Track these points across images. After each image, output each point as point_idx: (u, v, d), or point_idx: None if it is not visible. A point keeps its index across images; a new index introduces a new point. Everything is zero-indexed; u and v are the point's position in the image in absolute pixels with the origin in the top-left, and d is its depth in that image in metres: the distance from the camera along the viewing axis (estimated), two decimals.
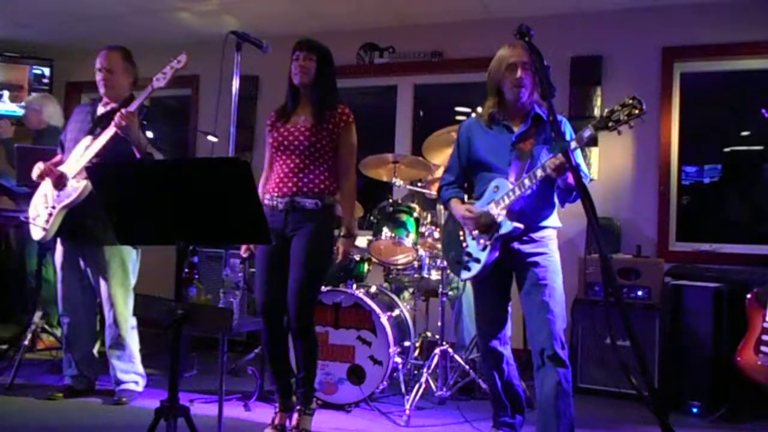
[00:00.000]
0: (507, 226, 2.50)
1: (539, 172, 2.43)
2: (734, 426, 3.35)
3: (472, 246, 2.63)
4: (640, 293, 3.80)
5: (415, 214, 3.70)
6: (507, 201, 2.51)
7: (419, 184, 4.18)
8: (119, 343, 3.34)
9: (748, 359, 3.14)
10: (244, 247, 3.04)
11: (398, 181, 3.88)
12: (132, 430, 2.92)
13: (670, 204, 4.49)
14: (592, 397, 3.73)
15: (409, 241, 3.63)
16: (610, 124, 2.30)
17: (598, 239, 1.86)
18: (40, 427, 2.96)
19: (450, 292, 3.84)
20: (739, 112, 4.66)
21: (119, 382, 3.35)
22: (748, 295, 3.26)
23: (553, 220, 2.63)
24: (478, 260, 2.60)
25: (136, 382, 3.40)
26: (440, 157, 3.99)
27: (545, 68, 2.21)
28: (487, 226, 2.56)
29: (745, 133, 4.77)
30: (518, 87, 2.55)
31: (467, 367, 3.59)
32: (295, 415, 2.87)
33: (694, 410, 3.50)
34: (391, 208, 3.72)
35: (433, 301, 4.16)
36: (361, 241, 4.06)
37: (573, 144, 2.37)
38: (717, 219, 4.80)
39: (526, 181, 2.46)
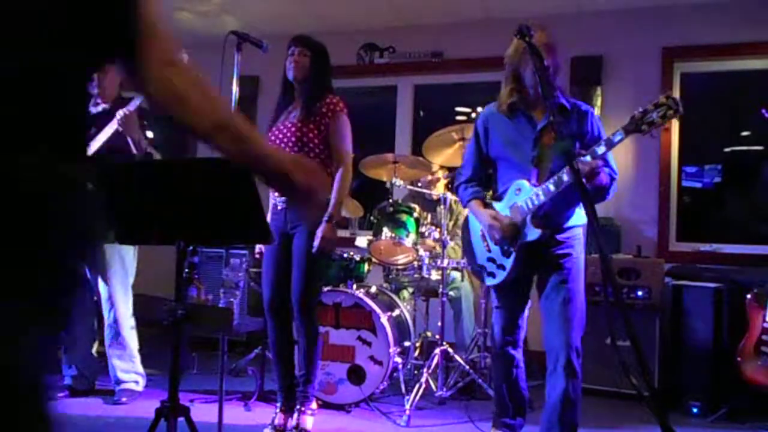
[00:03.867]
0: (533, 234, 2.40)
1: (565, 177, 2.29)
2: (734, 426, 3.36)
3: (496, 251, 2.53)
4: (640, 293, 3.80)
5: (416, 215, 3.70)
6: (530, 206, 2.39)
7: (419, 185, 4.18)
8: (119, 343, 3.35)
9: (749, 359, 3.14)
10: (258, 246, 3.08)
11: (398, 181, 3.88)
12: (132, 430, 2.93)
13: (670, 204, 4.50)
14: (592, 397, 3.72)
15: (409, 241, 3.63)
16: (643, 126, 2.17)
17: (598, 239, 1.85)
18: None
19: (450, 292, 3.85)
20: (739, 112, 4.66)
21: (119, 382, 3.35)
22: (748, 296, 3.26)
23: (579, 218, 2.51)
24: (502, 267, 2.50)
25: (137, 382, 3.40)
26: (440, 157, 3.99)
27: (545, 68, 2.19)
28: (513, 234, 2.45)
29: (745, 133, 4.77)
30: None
31: (467, 367, 3.59)
32: (295, 415, 2.87)
33: (694, 410, 3.51)
34: (391, 209, 3.72)
35: (433, 301, 4.16)
36: (361, 241, 4.06)
37: (602, 149, 2.25)
38: (717, 219, 4.80)
39: (551, 187, 2.33)
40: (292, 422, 2.87)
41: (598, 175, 2.28)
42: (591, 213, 1.83)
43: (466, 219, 2.76)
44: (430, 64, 5.13)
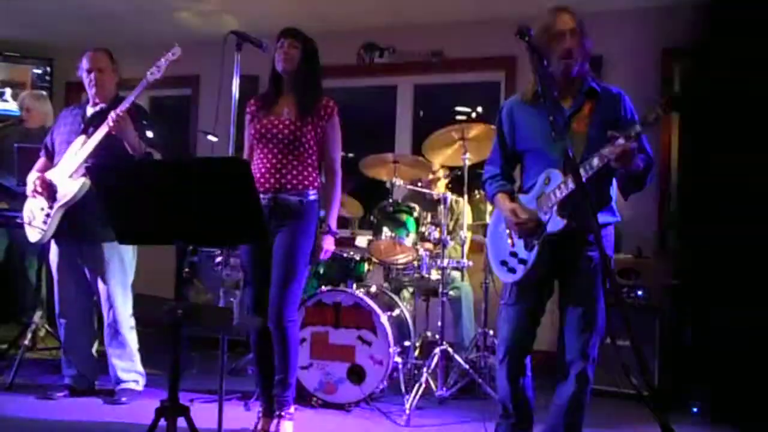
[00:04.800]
0: (555, 223, 2.22)
1: (596, 161, 2.11)
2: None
3: (519, 245, 2.36)
4: (640, 293, 3.80)
5: (416, 214, 3.70)
6: (558, 195, 2.21)
7: (419, 185, 4.18)
8: (119, 342, 3.35)
9: None
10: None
11: (398, 181, 3.88)
12: (132, 430, 2.93)
13: (670, 204, 4.49)
14: (592, 397, 3.71)
15: (409, 240, 3.63)
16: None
17: (598, 239, 1.86)
18: (40, 427, 2.96)
19: (450, 292, 3.85)
20: None
21: (119, 381, 3.36)
22: None
23: (610, 215, 2.36)
24: (524, 261, 2.32)
25: (136, 381, 3.40)
26: (440, 157, 4.00)
27: (545, 68, 2.18)
28: (534, 228, 2.27)
29: None
30: (567, 59, 2.27)
31: (467, 367, 3.59)
32: (275, 421, 2.83)
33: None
34: (391, 208, 3.72)
35: (433, 301, 4.16)
36: (361, 240, 4.06)
37: (637, 128, 2.07)
38: None
39: (581, 172, 2.12)
40: (273, 427, 2.83)
41: (633, 159, 2.11)
42: (590, 211, 1.83)
43: (493, 215, 2.61)
44: (430, 64, 5.12)
